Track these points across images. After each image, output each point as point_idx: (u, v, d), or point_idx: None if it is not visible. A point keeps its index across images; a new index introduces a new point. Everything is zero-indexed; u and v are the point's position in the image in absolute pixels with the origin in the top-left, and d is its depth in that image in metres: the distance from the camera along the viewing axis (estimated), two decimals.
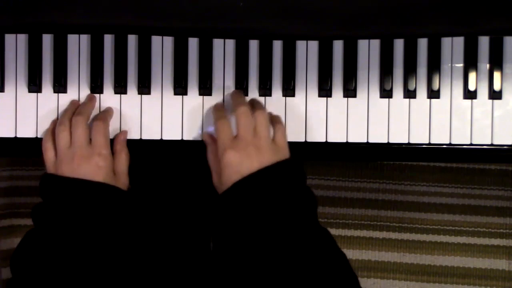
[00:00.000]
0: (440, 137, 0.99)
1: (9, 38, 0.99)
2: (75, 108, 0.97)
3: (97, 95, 0.99)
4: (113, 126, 0.98)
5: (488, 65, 0.99)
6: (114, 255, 0.89)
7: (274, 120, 0.95)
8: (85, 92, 0.99)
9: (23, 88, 0.99)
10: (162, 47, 0.99)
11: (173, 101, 0.99)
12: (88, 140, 0.93)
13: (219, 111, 0.96)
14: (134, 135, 0.99)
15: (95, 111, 0.98)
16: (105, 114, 0.97)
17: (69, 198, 0.90)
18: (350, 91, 0.98)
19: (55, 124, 0.96)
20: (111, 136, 0.97)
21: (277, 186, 0.87)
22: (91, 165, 0.91)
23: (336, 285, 0.84)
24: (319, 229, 0.89)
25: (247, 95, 0.99)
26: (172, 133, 0.99)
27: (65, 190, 0.91)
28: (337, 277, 0.85)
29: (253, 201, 0.86)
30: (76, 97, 0.99)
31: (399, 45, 0.99)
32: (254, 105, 0.94)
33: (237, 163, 0.88)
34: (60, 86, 0.99)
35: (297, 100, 0.99)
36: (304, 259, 0.84)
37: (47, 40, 0.99)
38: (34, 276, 0.88)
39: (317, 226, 0.89)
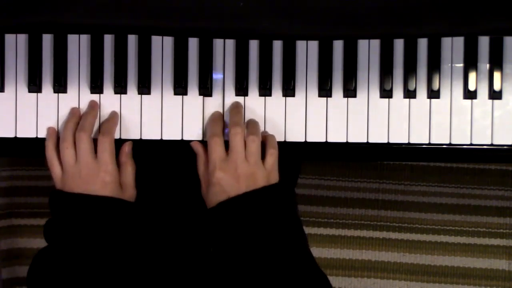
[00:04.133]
0: (440, 137, 0.99)
1: (9, 38, 0.99)
2: (76, 119, 0.96)
3: (97, 95, 0.99)
4: None
5: (488, 65, 0.99)
6: (123, 264, 0.90)
7: (268, 143, 0.94)
8: (85, 92, 0.99)
9: (23, 88, 0.99)
10: (162, 47, 0.99)
11: (173, 101, 0.99)
12: (93, 155, 0.93)
13: (215, 125, 0.95)
14: (134, 135, 0.99)
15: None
16: (110, 125, 0.97)
17: (79, 214, 0.91)
18: (350, 91, 0.98)
19: (55, 137, 0.96)
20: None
21: (261, 210, 0.90)
22: (98, 181, 0.92)
23: None
24: (298, 251, 0.91)
25: (247, 95, 0.99)
26: (172, 133, 0.99)
27: (74, 206, 0.92)
28: None
29: (235, 222, 0.89)
30: (76, 97, 0.99)
31: (399, 45, 0.99)
32: (250, 128, 0.95)
33: (225, 184, 0.90)
34: (60, 86, 0.99)
35: (297, 100, 0.99)
36: (280, 283, 0.86)
37: (47, 40, 0.99)
38: None
39: (298, 247, 0.91)
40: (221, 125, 0.96)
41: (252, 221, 0.89)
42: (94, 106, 0.98)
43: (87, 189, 0.92)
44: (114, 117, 0.98)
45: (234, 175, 0.90)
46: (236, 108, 0.97)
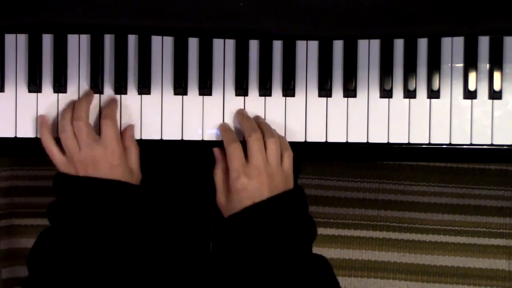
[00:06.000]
0: (440, 137, 0.99)
1: (9, 38, 0.99)
2: (73, 109, 0.96)
3: (97, 95, 0.99)
4: None
5: (488, 65, 0.99)
6: (127, 253, 0.90)
7: (283, 145, 0.95)
8: (85, 92, 0.99)
9: (23, 88, 0.99)
10: (162, 47, 0.99)
11: (173, 101, 0.99)
12: (96, 140, 0.93)
13: (229, 133, 0.96)
14: (134, 135, 0.99)
15: (94, 109, 0.98)
16: (112, 109, 0.96)
17: (87, 197, 0.91)
18: (350, 91, 0.98)
19: (48, 125, 0.96)
20: None
21: (284, 215, 0.91)
22: (106, 165, 0.92)
23: None
24: (315, 256, 0.93)
25: (247, 95, 0.99)
26: (172, 133, 0.99)
27: (82, 189, 0.91)
28: None
29: (261, 226, 0.89)
30: (76, 97, 0.99)
31: (399, 45, 0.99)
32: (265, 131, 0.95)
33: (250, 190, 0.90)
34: (60, 86, 0.99)
35: (297, 100, 0.99)
36: (300, 282, 0.88)
37: (47, 40, 0.99)
38: (50, 275, 0.89)
39: (311, 253, 0.93)
40: (233, 131, 0.97)
41: (277, 225, 0.90)
42: (89, 93, 0.98)
43: (97, 174, 0.91)
44: (114, 102, 0.98)
45: (258, 179, 0.91)
46: (243, 115, 0.98)
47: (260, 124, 0.96)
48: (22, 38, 0.99)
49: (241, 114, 0.98)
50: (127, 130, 0.97)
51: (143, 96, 0.99)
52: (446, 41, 0.99)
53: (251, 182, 0.90)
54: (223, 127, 0.98)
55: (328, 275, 0.92)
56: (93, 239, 0.89)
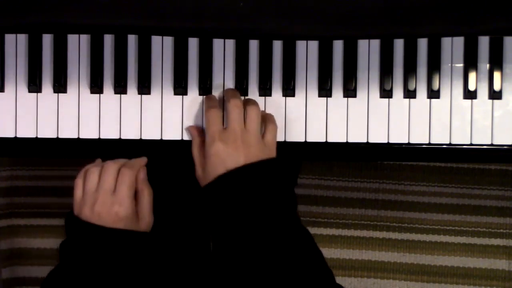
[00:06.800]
0: (440, 137, 0.99)
1: (9, 38, 0.99)
2: (124, 164, 0.95)
3: (97, 95, 0.99)
4: (113, 127, 0.98)
5: (488, 65, 0.99)
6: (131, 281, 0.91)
7: (267, 119, 0.95)
8: (85, 92, 0.99)
9: (23, 88, 0.99)
10: (162, 47, 0.99)
11: (173, 101, 0.99)
12: (112, 188, 0.92)
13: (211, 100, 0.96)
14: (134, 135, 0.99)
15: (94, 113, 0.98)
16: (136, 162, 0.95)
17: (92, 243, 0.91)
18: (350, 91, 0.98)
19: (95, 165, 0.95)
20: (108, 136, 0.97)
21: (260, 184, 0.89)
22: (111, 215, 0.91)
23: (311, 278, 0.86)
24: (297, 228, 0.91)
25: (247, 95, 0.99)
26: (172, 133, 0.99)
27: (86, 234, 0.91)
28: (312, 272, 0.88)
29: (235, 196, 0.88)
30: (76, 97, 0.99)
31: (399, 45, 0.99)
32: (247, 101, 0.95)
33: (224, 156, 0.89)
34: (60, 86, 0.99)
35: (297, 100, 0.99)
36: (280, 255, 0.86)
37: (47, 40, 0.99)
38: None
39: (296, 224, 0.91)
40: (217, 100, 0.97)
41: (253, 195, 0.88)
42: (143, 164, 0.96)
43: (100, 220, 0.90)
44: (143, 158, 0.97)
45: (234, 146, 0.89)
46: (231, 88, 0.98)
47: (245, 98, 0.97)
48: (22, 38, 0.99)
49: (228, 88, 0.98)
50: (140, 173, 0.95)
51: (143, 96, 0.99)
52: (446, 41, 0.99)
53: (226, 148, 0.89)
54: (207, 96, 0.98)
55: (308, 245, 0.90)
56: (97, 279, 0.89)
